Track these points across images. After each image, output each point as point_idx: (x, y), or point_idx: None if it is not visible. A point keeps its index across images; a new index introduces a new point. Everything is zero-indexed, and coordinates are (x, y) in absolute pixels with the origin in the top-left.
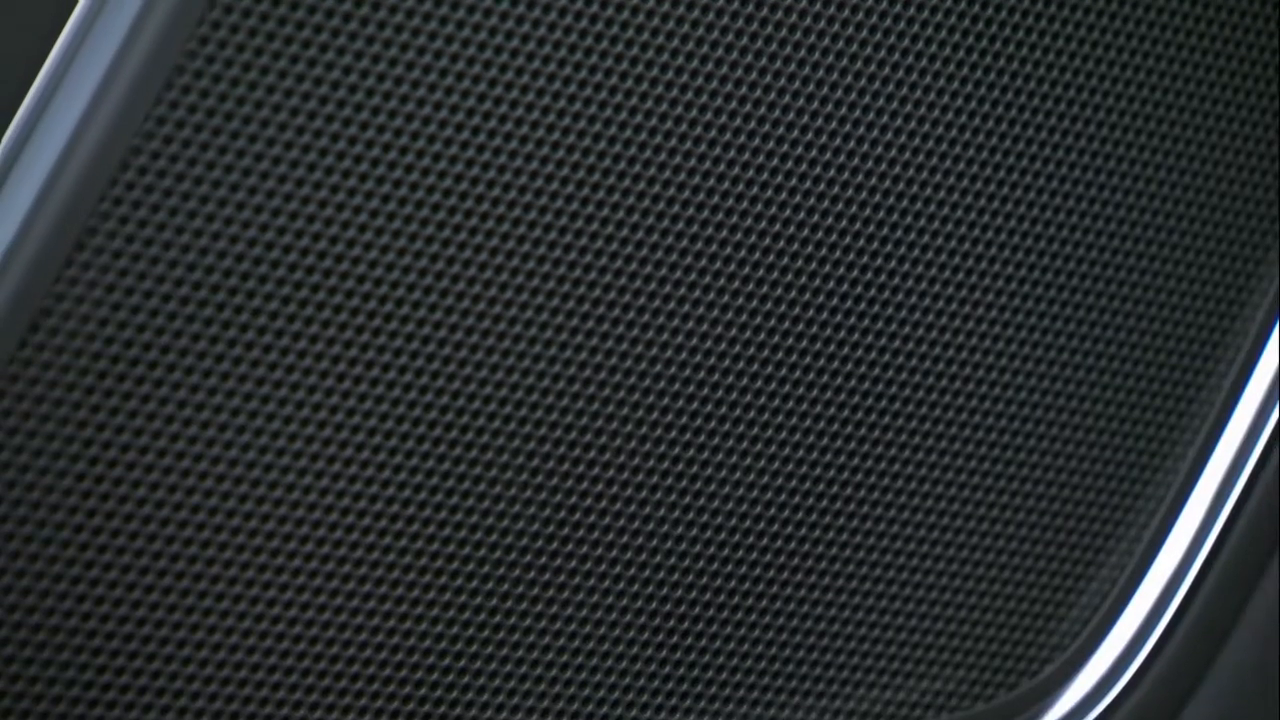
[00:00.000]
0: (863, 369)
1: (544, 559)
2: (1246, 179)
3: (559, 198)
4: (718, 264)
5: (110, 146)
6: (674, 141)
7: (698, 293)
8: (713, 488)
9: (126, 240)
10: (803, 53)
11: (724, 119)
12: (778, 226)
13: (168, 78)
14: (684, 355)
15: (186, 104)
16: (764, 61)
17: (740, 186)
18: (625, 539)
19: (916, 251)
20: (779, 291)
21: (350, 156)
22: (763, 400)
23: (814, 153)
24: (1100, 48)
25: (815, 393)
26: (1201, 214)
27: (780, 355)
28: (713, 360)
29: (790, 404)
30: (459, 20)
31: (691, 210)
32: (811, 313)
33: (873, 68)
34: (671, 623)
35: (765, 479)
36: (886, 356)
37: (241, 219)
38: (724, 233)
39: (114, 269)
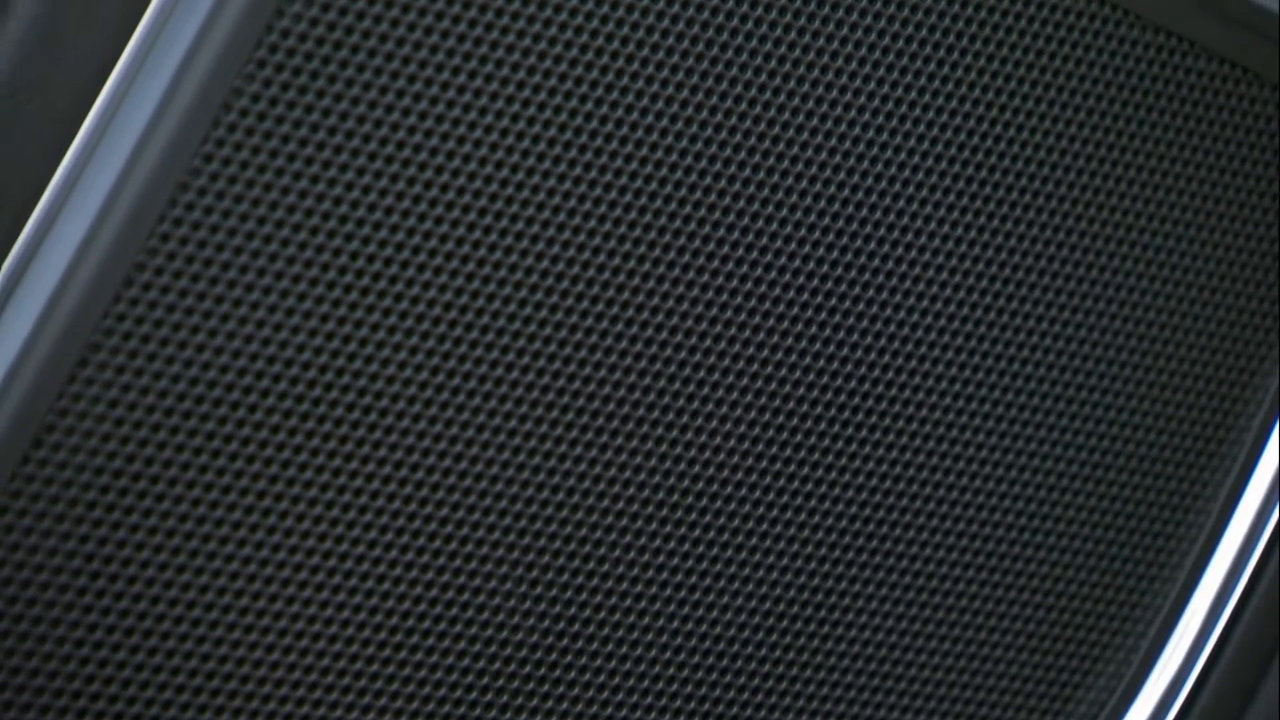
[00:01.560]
0: (870, 465)
1: (554, 655)
2: (1247, 280)
3: (569, 297)
4: (735, 357)
5: (114, 263)
6: (684, 240)
7: (708, 389)
8: (725, 581)
9: (130, 356)
10: (801, 166)
11: (729, 222)
12: (791, 321)
13: (171, 195)
14: (696, 450)
15: (190, 221)
16: (771, 161)
17: (759, 286)
18: (636, 634)
19: (936, 352)
20: (800, 390)
21: (354, 272)
22: (779, 495)
23: (827, 266)
24: (1103, 148)
25: (831, 489)
26: (1203, 315)
27: (798, 448)
28: (725, 455)
29: (807, 499)
30: (467, 136)
31: (705, 306)
32: (834, 412)
33: (879, 167)
34: (684, 718)
35: (778, 573)
36: (893, 463)
37: (243, 335)
38: (745, 330)
39: (117, 385)
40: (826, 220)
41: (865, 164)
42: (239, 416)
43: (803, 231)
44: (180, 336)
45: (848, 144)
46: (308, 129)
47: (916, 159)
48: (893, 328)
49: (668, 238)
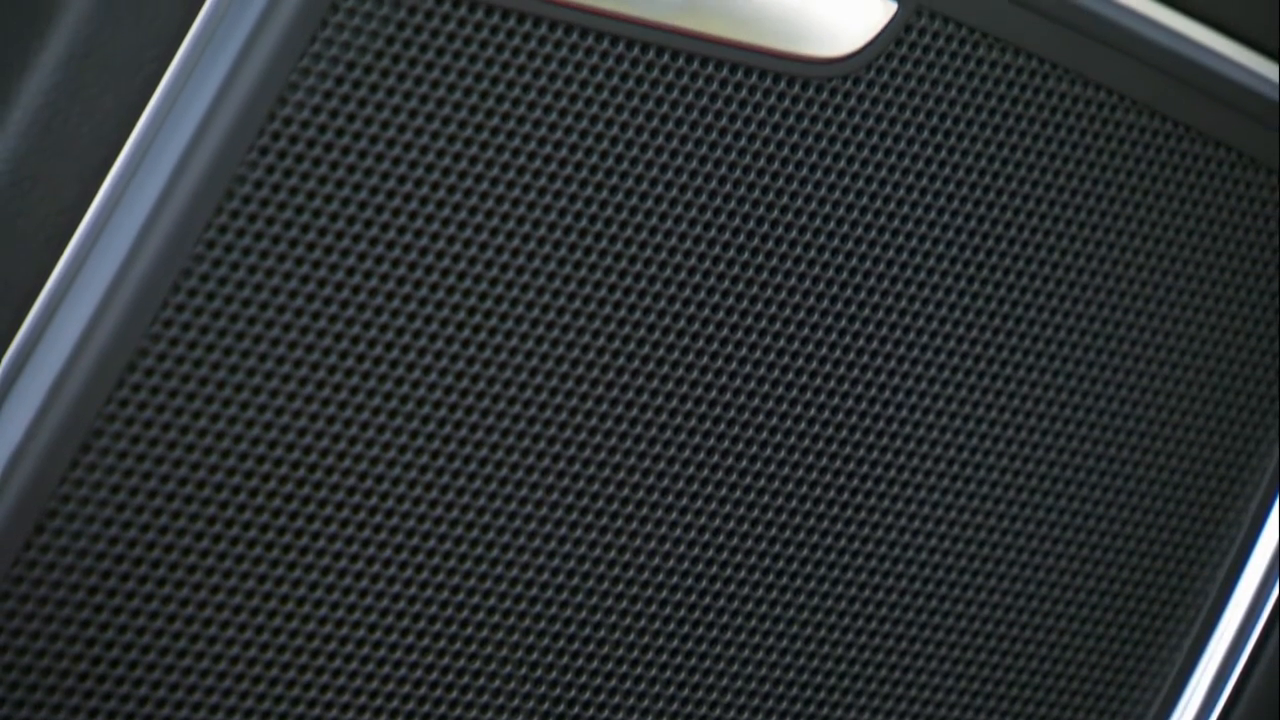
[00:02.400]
0: (874, 549)
1: None
2: (1247, 359)
3: (571, 396)
4: (739, 456)
5: (116, 351)
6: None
7: (707, 478)
8: (721, 678)
9: (132, 442)
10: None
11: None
12: (786, 453)
13: (174, 282)
14: (696, 538)
15: (192, 308)
16: (770, 247)
17: (764, 383)
18: None
19: (941, 434)
20: (802, 475)
21: (355, 357)
22: (782, 587)
23: (816, 380)
24: (1102, 232)
25: (831, 571)
26: (1203, 393)
27: (800, 530)
28: (729, 551)
29: (807, 580)
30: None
31: (705, 454)
32: (834, 494)
33: (879, 250)
34: None
35: (775, 670)
36: (886, 573)
37: (244, 421)
38: (751, 432)
39: (119, 471)
40: (831, 307)
41: (864, 247)
42: (240, 502)
43: (806, 320)
44: (182, 422)
45: (845, 227)
46: (310, 215)
47: (914, 242)
48: (899, 409)
49: (670, 334)
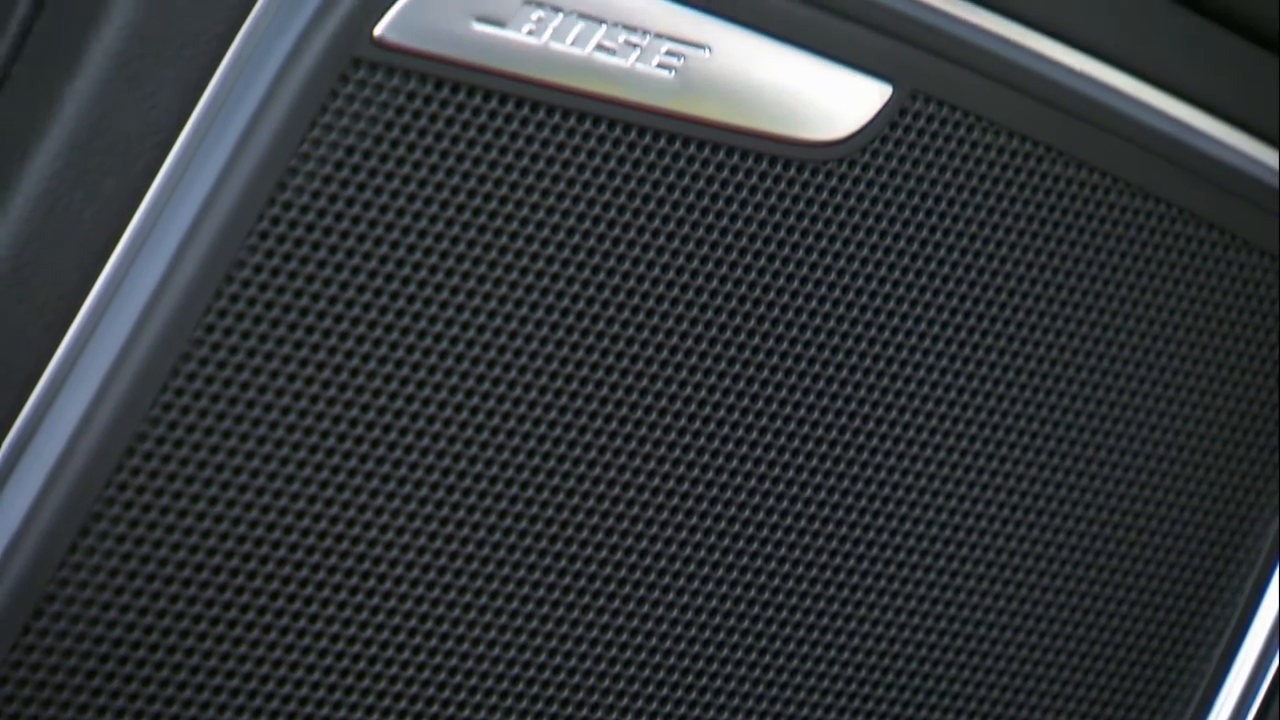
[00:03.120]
0: (871, 646)
1: None
2: (1247, 432)
3: (570, 495)
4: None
5: (115, 435)
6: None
7: (707, 574)
8: None
9: (130, 526)
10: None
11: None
12: (797, 535)
13: (173, 366)
14: (696, 627)
15: (191, 392)
16: (770, 345)
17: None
18: None
19: (938, 515)
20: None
21: (355, 457)
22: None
23: (820, 475)
24: (1101, 314)
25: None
26: (1204, 465)
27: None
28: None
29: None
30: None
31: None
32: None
33: (874, 334)
34: None
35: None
36: (892, 643)
37: (243, 504)
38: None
39: (118, 555)
40: (827, 388)
41: (860, 329)
42: (237, 585)
43: (803, 401)
44: (180, 506)
45: (841, 309)
46: (309, 298)
47: (909, 324)
48: (901, 492)
49: (668, 416)
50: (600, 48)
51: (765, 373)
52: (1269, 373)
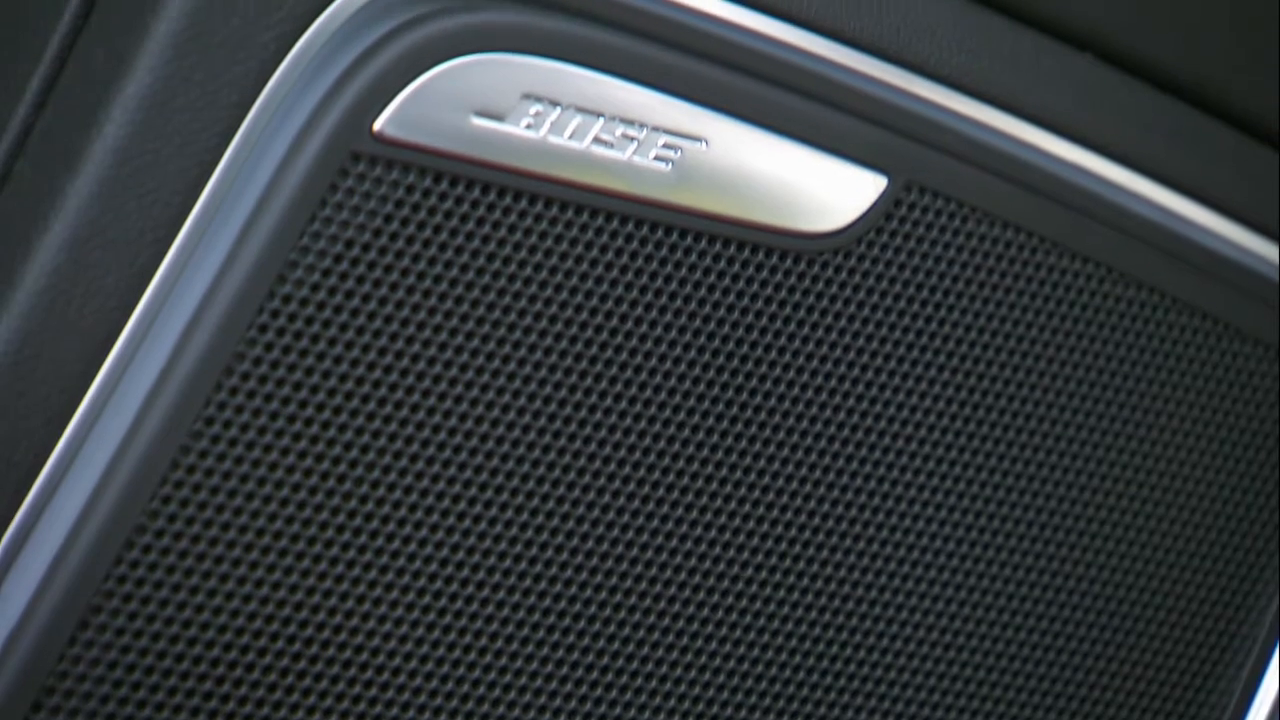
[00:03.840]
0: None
1: None
2: (1247, 512)
3: (562, 598)
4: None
5: (115, 528)
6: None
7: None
8: None
9: (129, 619)
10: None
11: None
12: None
13: (173, 458)
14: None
15: (191, 484)
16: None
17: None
18: None
19: (944, 606)
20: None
21: (352, 549)
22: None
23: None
24: (1090, 402)
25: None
26: (1202, 551)
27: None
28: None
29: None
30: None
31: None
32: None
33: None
34: None
35: None
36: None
37: (242, 596)
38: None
39: (117, 647)
40: (823, 478)
41: (856, 418)
42: (236, 676)
43: (799, 491)
44: (179, 597)
45: (838, 399)
46: (308, 391)
47: (904, 413)
48: (897, 591)
49: (665, 506)
50: (598, 141)
51: (762, 463)
52: (1269, 460)
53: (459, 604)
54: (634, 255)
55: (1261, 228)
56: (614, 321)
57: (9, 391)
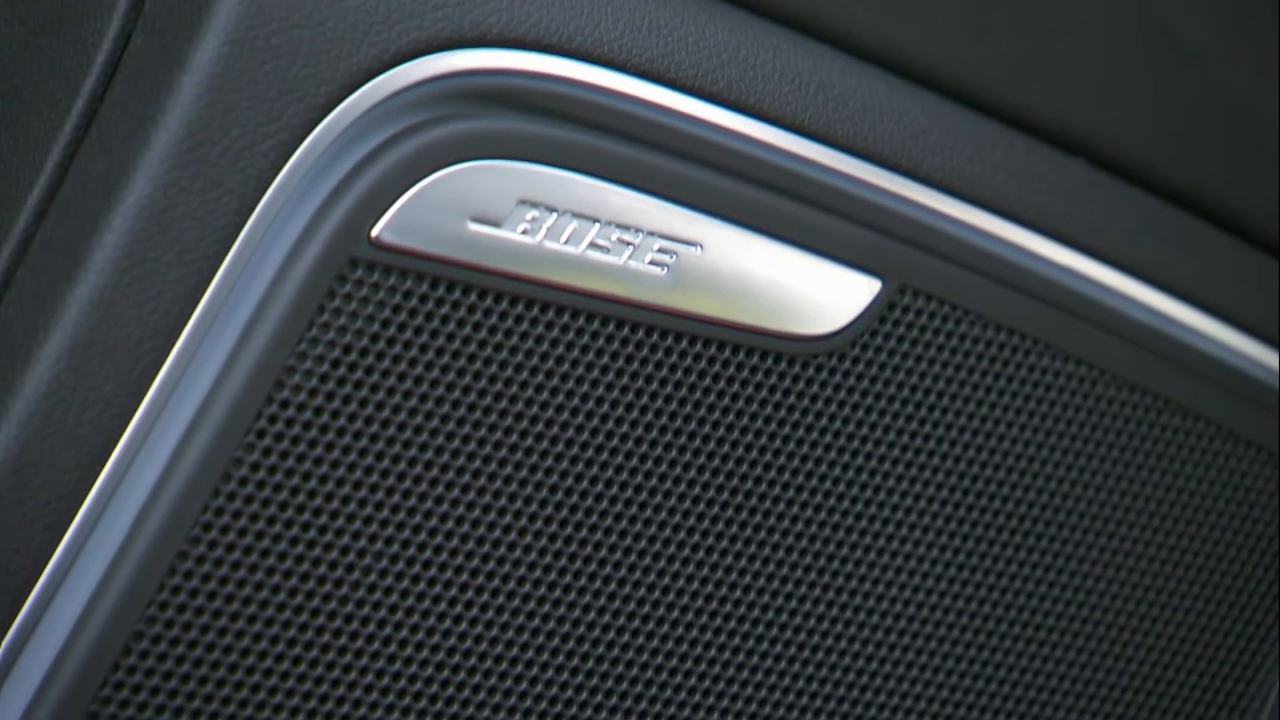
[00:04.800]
0: None
1: None
2: (1245, 605)
3: (559, 691)
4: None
5: (112, 635)
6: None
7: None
8: None
9: (138, 709)
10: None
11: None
12: None
13: (170, 565)
14: None
15: (187, 590)
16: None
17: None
18: None
19: (951, 694)
20: None
21: (349, 653)
22: None
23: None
24: (1084, 502)
25: None
26: (1202, 639)
27: None
28: None
29: None
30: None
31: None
32: None
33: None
34: None
35: None
36: None
37: (238, 701)
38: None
39: None
40: (819, 578)
41: (851, 519)
42: None
43: (795, 587)
44: (176, 704)
45: (833, 499)
46: (305, 497)
47: (899, 515)
48: (893, 687)
49: (660, 609)
50: (594, 246)
51: (757, 565)
52: (1268, 564)
53: (455, 708)
54: (630, 359)
55: (1260, 334)
56: (610, 425)
57: (8, 498)
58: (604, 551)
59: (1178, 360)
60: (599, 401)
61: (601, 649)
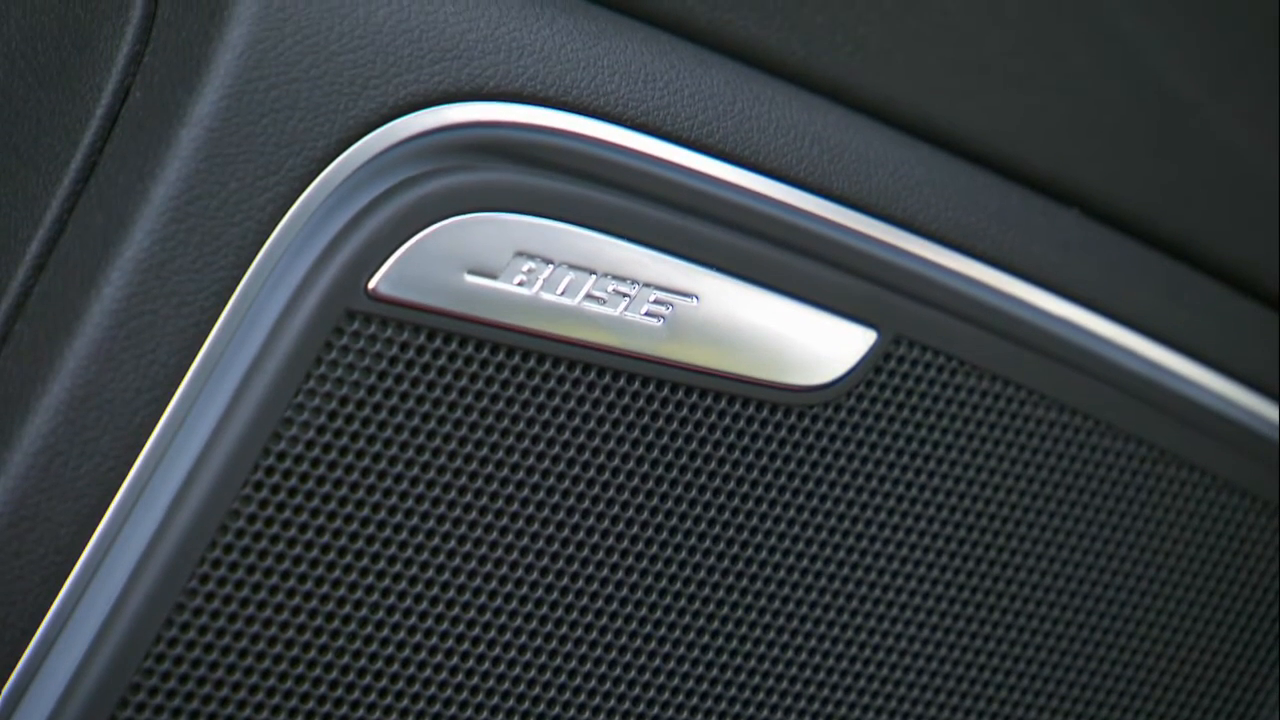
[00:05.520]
0: None
1: None
2: (1244, 655)
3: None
4: None
5: (110, 684)
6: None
7: None
8: None
9: None
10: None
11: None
12: None
13: (168, 616)
14: None
15: (185, 641)
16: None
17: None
18: None
19: None
20: None
21: (346, 705)
22: None
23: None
24: (1079, 553)
25: None
26: (1200, 690)
27: None
28: None
29: None
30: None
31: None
32: None
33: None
34: None
35: None
36: None
37: None
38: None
39: None
40: (814, 630)
41: (847, 569)
42: None
43: (790, 640)
44: None
45: (829, 550)
46: (301, 548)
47: (894, 565)
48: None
49: (656, 659)
50: (590, 297)
51: (754, 615)
52: (1268, 614)
53: None
54: (625, 409)
55: (1259, 386)
56: (606, 475)
57: (5, 551)
58: (600, 602)
59: (1175, 412)
60: (595, 452)
61: (598, 699)
